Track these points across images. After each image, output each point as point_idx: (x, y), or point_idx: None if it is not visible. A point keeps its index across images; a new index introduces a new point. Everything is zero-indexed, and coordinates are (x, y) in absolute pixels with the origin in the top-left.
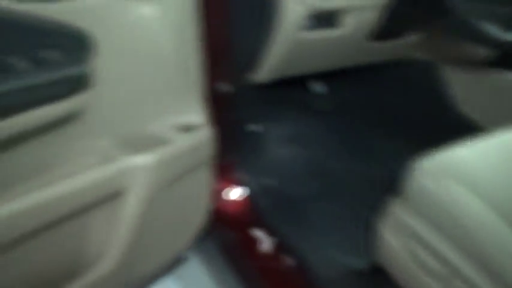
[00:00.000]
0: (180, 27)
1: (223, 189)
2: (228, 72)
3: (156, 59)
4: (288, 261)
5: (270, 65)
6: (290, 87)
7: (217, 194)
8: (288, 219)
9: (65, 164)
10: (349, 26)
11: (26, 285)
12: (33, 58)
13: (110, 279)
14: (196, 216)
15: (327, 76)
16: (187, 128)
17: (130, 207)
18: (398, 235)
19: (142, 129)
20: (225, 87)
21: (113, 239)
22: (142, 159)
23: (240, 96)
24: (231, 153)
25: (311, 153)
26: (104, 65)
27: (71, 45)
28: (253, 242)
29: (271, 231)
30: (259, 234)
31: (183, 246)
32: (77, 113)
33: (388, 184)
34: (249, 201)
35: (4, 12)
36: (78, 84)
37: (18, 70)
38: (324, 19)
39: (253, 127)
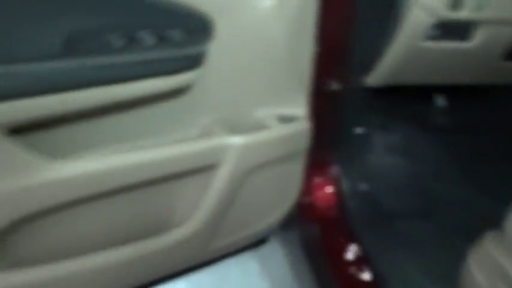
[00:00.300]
0: (297, 21)
1: (315, 185)
2: (340, 72)
3: (269, 48)
4: (366, 273)
5: (385, 70)
6: (406, 95)
7: (308, 188)
8: (376, 230)
9: (170, 132)
10: (480, 40)
11: (123, 231)
12: (159, 35)
13: (192, 242)
14: (283, 203)
15: (450, 90)
16: (287, 119)
17: (221, 181)
18: (487, 273)
19: (244, 113)
20: (335, 85)
21: (200, 206)
22: (239, 139)
23: (349, 97)
24: (330, 151)
25: (417, 168)
26: (219, 48)
27: (192, 27)
28: (334, 244)
29: (355, 238)
30: (342, 237)
31: (265, 229)
32: (186, 89)
33: (493, 217)
34: (340, 203)
35: None
36: (192, 62)
37: (144, 44)
38: (453, 30)
39: (358, 130)
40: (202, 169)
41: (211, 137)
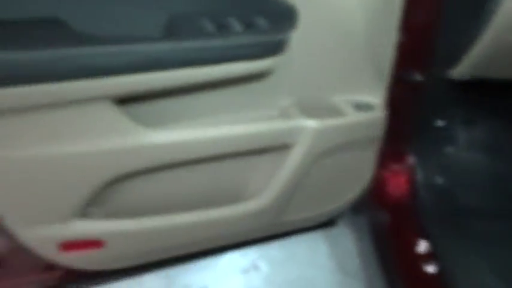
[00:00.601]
0: (380, 11)
1: (390, 172)
2: (424, 62)
3: (350, 37)
4: (433, 267)
5: (472, 63)
6: (492, 90)
7: (382, 175)
8: (447, 225)
9: (250, 110)
10: None
11: (202, 196)
12: (246, 22)
13: (263, 214)
14: (353, 188)
15: None
16: (364, 106)
17: (294, 160)
18: None
19: (322, 98)
20: (417, 76)
21: (273, 182)
22: (314, 123)
23: (431, 88)
24: (408, 140)
25: (498, 166)
26: (301, 35)
27: (277, 15)
28: (403, 234)
29: (425, 230)
30: (411, 228)
31: (334, 210)
32: (268, 71)
33: None
34: (413, 193)
35: None
36: (275, 48)
37: (232, 29)
38: None
39: (439, 122)
40: (277, 148)
41: (287, 119)
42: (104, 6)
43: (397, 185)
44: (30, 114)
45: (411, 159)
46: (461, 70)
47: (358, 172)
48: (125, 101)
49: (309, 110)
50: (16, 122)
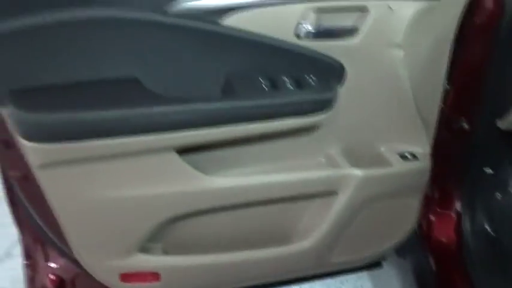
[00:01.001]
0: (426, 67)
1: (437, 218)
2: (472, 110)
3: (396, 90)
4: None
5: None
6: None
7: (429, 219)
8: (493, 273)
9: (299, 158)
10: None
11: (253, 237)
12: (297, 79)
13: (309, 255)
14: (397, 233)
15: None
16: (409, 156)
17: (340, 206)
18: None
19: (368, 147)
20: (465, 124)
21: (319, 225)
22: (360, 172)
23: (480, 136)
24: (455, 186)
25: None
26: (349, 89)
27: (325, 71)
28: (448, 280)
29: (470, 278)
30: (457, 275)
31: (379, 253)
32: (316, 125)
33: None
34: (459, 239)
35: (283, 42)
36: (324, 105)
37: (284, 88)
38: None
39: (488, 169)
40: (324, 194)
41: (334, 167)
42: (172, 65)
43: (444, 229)
44: (106, 163)
45: (459, 205)
46: (509, 120)
47: (403, 218)
48: (186, 149)
49: (356, 158)
50: (94, 169)
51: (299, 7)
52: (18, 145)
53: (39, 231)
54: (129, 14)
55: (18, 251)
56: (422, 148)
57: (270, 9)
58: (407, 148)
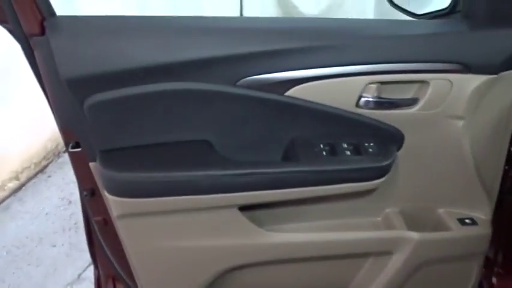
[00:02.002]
0: (489, 137)
1: (499, 282)
2: None
3: (457, 158)
4: None
5: None
6: None
7: (490, 285)
8: None
9: (356, 217)
10: None
11: None
12: (356, 146)
13: None
14: None
15: None
16: (469, 221)
17: (394, 268)
18: None
19: (427, 210)
20: None
21: (374, 285)
22: (416, 235)
23: None
24: None
25: None
26: (408, 154)
27: (384, 139)
28: None
29: None
30: None
31: None
32: (374, 188)
33: None
34: None
35: (344, 111)
36: (381, 172)
37: (344, 154)
38: None
39: None
40: (380, 254)
41: (391, 228)
42: (241, 131)
43: None
44: (176, 216)
45: None
46: None
47: (461, 282)
48: (246, 208)
49: (413, 221)
50: (165, 221)
51: (361, 80)
52: (102, 195)
53: (111, 267)
54: (205, 86)
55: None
56: (483, 214)
57: (332, 81)
58: (468, 213)
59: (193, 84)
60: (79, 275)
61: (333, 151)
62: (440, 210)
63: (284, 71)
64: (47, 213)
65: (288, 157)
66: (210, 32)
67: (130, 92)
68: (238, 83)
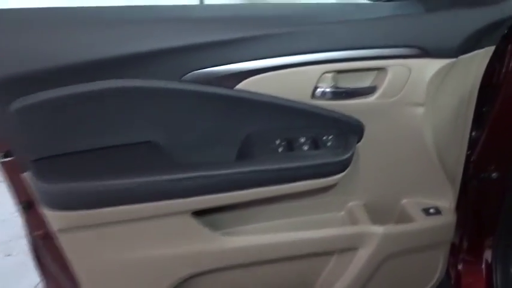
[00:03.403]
0: (452, 121)
1: (466, 269)
2: (503, 158)
3: (417, 146)
4: None
5: None
6: None
7: (459, 271)
8: None
9: (317, 213)
10: None
11: None
12: (314, 141)
13: None
14: (424, 286)
15: None
16: (433, 211)
17: (360, 263)
18: None
19: (389, 203)
20: (495, 172)
21: (339, 282)
22: (381, 229)
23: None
24: (485, 237)
25: None
26: (368, 145)
27: (343, 130)
28: None
29: None
30: None
31: None
32: (336, 182)
33: None
34: None
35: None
36: (342, 166)
37: (302, 150)
38: None
39: None
40: (344, 250)
41: (355, 223)
42: (189, 130)
43: (473, 280)
44: (122, 226)
45: (489, 255)
46: None
47: (428, 271)
48: (199, 212)
49: (377, 213)
50: (111, 232)
51: (316, 69)
52: (39, 207)
53: (60, 283)
54: (145, 83)
55: None
56: (447, 202)
57: (285, 71)
58: (432, 202)
59: (132, 81)
60: (35, 286)
61: (290, 146)
62: (404, 201)
63: (233, 63)
64: (3, 220)
65: (243, 155)
66: (150, 23)
67: (62, 93)
68: (183, 78)
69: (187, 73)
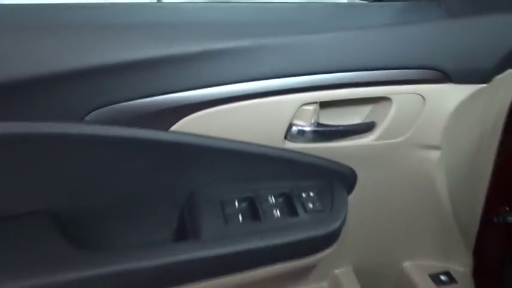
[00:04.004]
0: (471, 165)
1: None
2: None
3: (427, 196)
4: None
5: None
6: None
7: None
8: None
9: (298, 284)
10: None
11: None
12: (289, 201)
13: None
14: None
15: None
16: (445, 278)
17: None
18: None
19: (388, 266)
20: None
21: None
22: None
23: None
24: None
25: None
26: (363, 198)
27: (330, 182)
28: None
29: None
30: None
31: None
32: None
33: None
34: None
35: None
36: (326, 241)
37: (270, 217)
38: None
39: None
40: None
41: None
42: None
43: None
44: None
45: None
46: None
47: None
48: None
49: (370, 281)
50: None
51: (291, 100)
52: None
53: None
54: (26, 128)
55: None
56: (460, 265)
57: (245, 104)
58: (441, 265)
59: (8, 125)
60: None
61: (253, 212)
62: (406, 264)
63: (167, 93)
64: None
65: (183, 230)
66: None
67: None
68: (88, 117)
69: (94, 110)
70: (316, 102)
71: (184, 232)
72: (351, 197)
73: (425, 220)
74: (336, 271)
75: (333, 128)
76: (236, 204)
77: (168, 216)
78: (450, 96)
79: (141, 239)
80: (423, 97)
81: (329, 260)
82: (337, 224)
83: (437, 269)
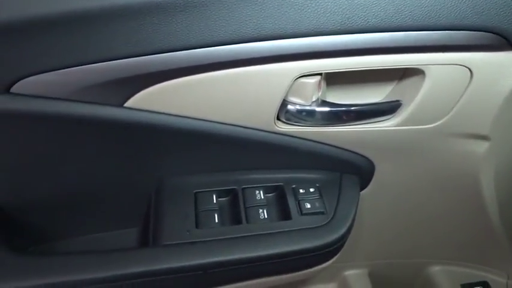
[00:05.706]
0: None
1: None
2: None
3: (465, 194)
4: None
5: None
6: None
7: None
8: None
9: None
10: None
11: None
12: (281, 198)
13: None
14: None
15: None
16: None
17: None
18: None
19: (411, 270)
20: None
21: None
22: None
23: None
24: None
25: None
26: (380, 194)
27: (338, 175)
28: None
29: None
30: None
31: None
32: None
33: None
34: None
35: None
36: (329, 253)
37: (256, 219)
38: None
39: None
40: None
41: None
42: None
43: None
44: None
45: None
46: None
47: None
48: None
49: (389, 286)
50: None
51: (286, 69)
52: None
53: None
54: None
55: None
56: (502, 275)
57: (224, 73)
58: (477, 274)
59: None
60: None
61: (233, 212)
62: (434, 269)
63: (114, 59)
64: None
65: (149, 236)
66: None
67: None
68: (13, 88)
69: (19, 80)
70: (320, 74)
71: (146, 235)
72: (367, 192)
73: (462, 221)
74: (346, 273)
75: (343, 108)
76: (214, 199)
77: (127, 214)
78: (508, 69)
79: (91, 240)
80: (470, 70)
81: (339, 261)
82: (340, 233)
83: (472, 278)
